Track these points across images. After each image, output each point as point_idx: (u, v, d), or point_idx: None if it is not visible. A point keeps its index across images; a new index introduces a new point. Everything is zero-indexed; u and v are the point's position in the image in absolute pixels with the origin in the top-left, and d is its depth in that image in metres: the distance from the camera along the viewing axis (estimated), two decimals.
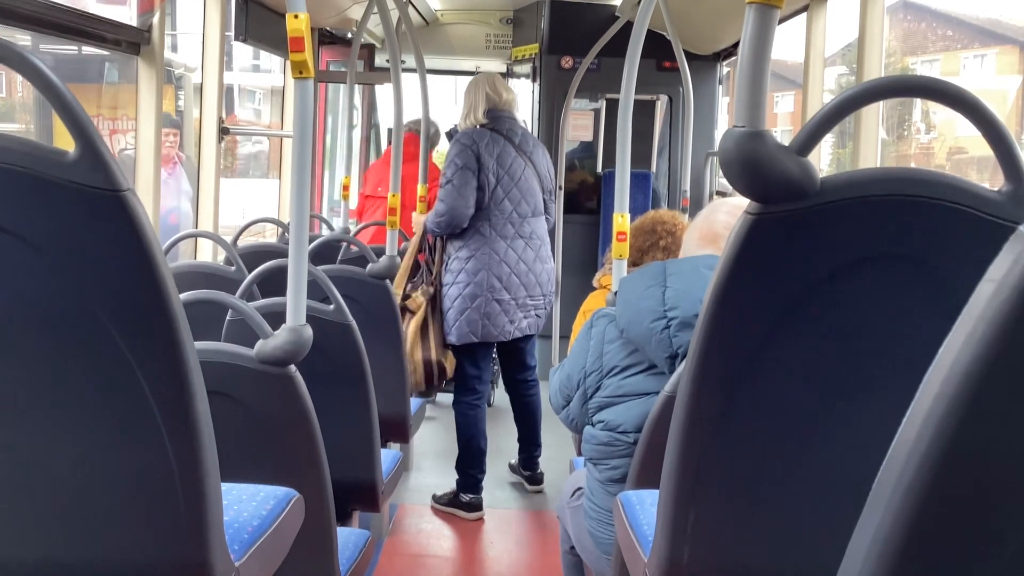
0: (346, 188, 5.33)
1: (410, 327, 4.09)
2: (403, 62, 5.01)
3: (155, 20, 3.64)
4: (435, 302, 4.16)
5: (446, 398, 6.11)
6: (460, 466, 4.26)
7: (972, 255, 0.85)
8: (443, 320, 4.13)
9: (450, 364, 4.17)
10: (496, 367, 5.39)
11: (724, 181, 5.10)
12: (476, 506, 4.23)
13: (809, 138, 1.26)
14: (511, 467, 4.65)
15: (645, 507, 1.86)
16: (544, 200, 4.23)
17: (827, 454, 1.40)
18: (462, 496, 4.25)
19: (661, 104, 6.80)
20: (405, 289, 4.20)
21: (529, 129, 5.00)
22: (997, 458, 0.60)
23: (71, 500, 1.45)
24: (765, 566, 1.52)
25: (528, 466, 4.54)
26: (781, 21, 4.32)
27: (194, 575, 1.48)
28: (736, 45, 5.55)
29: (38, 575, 1.48)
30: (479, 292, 4.04)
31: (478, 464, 4.24)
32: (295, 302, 2.06)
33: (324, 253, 3.99)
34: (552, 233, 4.41)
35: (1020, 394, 0.58)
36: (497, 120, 4.11)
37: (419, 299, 4.16)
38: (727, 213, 2.27)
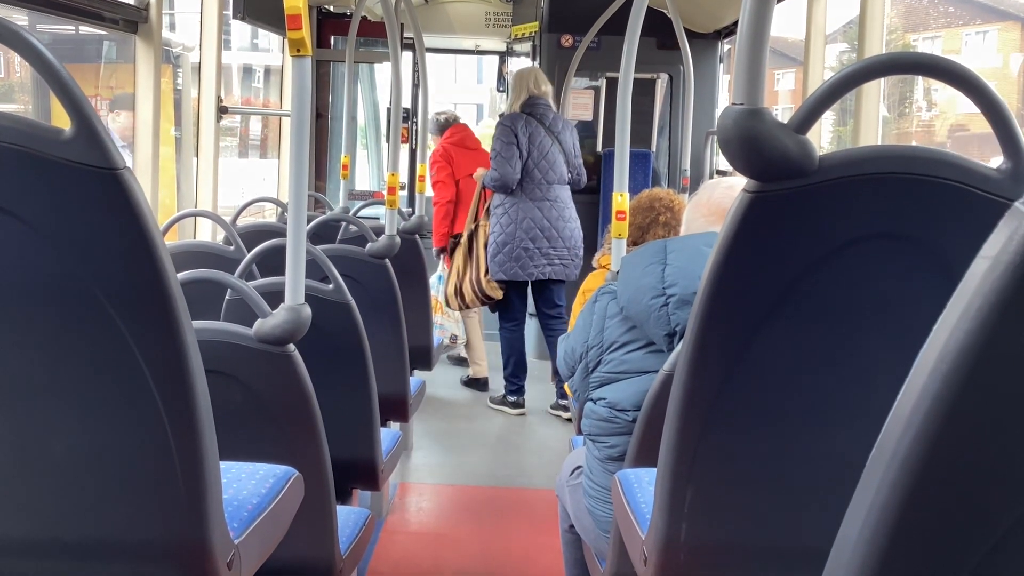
0: (345, 167, 5.33)
1: (458, 254, 5.48)
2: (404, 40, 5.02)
3: None
4: (474, 238, 5.46)
5: (442, 385, 6.12)
6: (507, 375, 5.48)
7: (970, 233, 0.85)
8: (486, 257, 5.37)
9: (491, 291, 5.36)
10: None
11: (724, 160, 5.09)
12: (520, 404, 5.48)
13: (808, 116, 1.25)
14: (551, 407, 5.46)
15: (643, 485, 1.87)
16: (569, 172, 5.29)
17: (823, 431, 1.41)
18: (508, 397, 5.49)
19: (661, 83, 6.77)
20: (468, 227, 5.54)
21: None
22: (991, 434, 0.60)
23: (70, 478, 1.45)
24: (762, 543, 1.53)
25: (563, 395, 5.19)
26: None
27: (193, 552, 1.48)
28: (737, 23, 5.52)
29: (37, 553, 1.49)
30: (509, 240, 5.19)
31: (520, 374, 5.46)
32: (294, 281, 2.05)
33: (323, 233, 3.98)
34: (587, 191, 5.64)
35: (1013, 370, 0.58)
36: (534, 106, 5.20)
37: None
38: (728, 187, 2.28)
